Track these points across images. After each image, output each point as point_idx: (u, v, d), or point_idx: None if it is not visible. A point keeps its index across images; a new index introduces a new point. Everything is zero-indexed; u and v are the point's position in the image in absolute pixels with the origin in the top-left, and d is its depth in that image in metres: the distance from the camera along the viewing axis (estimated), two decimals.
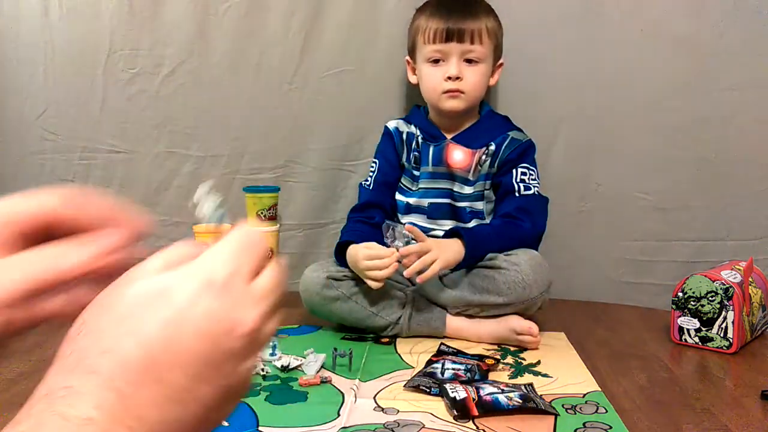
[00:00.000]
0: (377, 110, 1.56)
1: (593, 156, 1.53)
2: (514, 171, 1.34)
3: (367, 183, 1.44)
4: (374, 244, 1.24)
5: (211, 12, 1.56)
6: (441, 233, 1.34)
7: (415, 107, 1.45)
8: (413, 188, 1.41)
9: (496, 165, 1.36)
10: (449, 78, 1.32)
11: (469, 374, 1.05)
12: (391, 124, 1.45)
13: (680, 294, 1.23)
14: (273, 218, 1.53)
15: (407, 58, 1.43)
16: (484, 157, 1.36)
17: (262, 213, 1.51)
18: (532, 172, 1.35)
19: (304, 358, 1.13)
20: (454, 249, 1.22)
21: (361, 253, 1.22)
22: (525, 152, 1.36)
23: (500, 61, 1.40)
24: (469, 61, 1.33)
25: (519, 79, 1.52)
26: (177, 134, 1.61)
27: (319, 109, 1.58)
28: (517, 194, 1.33)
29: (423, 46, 1.36)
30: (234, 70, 1.58)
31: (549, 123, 1.52)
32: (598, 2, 1.49)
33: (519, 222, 1.30)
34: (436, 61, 1.34)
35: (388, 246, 1.22)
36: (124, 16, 1.57)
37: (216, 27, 1.56)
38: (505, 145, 1.35)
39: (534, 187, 1.34)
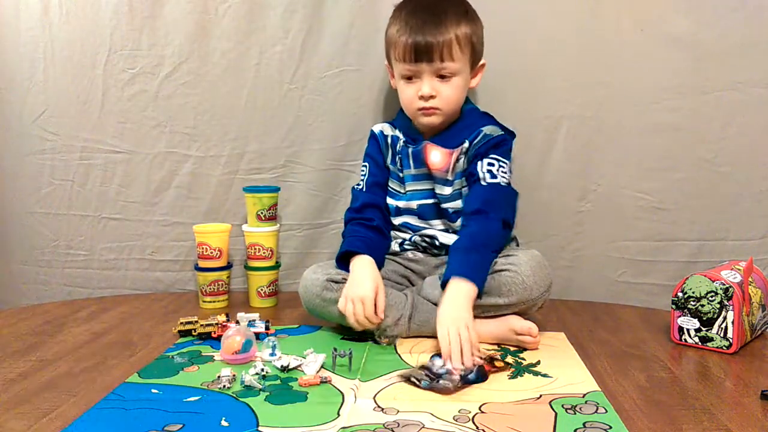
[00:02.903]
0: (377, 110, 1.56)
1: (593, 156, 1.53)
2: (481, 161, 1.31)
3: (360, 186, 1.43)
4: (383, 298, 1.22)
5: (211, 12, 1.56)
6: (432, 232, 1.36)
7: (401, 111, 1.43)
8: (401, 191, 1.41)
9: (467, 161, 1.34)
10: (422, 97, 1.30)
11: (463, 372, 1.05)
12: (377, 128, 1.45)
13: (680, 294, 1.23)
14: (273, 218, 1.53)
15: (386, 63, 1.40)
16: (461, 156, 1.35)
17: (262, 213, 1.51)
18: (502, 165, 1.31)
19: (304, 358, 1.13)
20: (464, 300, 1.15)
21: (362, 308, 1.20)
22: (496, 145, 1.32)
23: (481, 63, 1.36)
24: (442, 76, 1.30)
25: (518, 79, 1.52)
26: (177, 134, 1.61)
27: (319, 109, 1.58)
28: (483, 182, 1.30)
29: (396, 62, 1.33)
30: (234, 70, 1.58)
31: (548, 123, 1.52)
32: (598, 2, 1.49)
33: (489, 221, 1.26)
34: (409, 78, 1.32)
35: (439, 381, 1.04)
36: (124, 16, 1.57)
37: (216, 27, 1.56)
38: (477, 140, 1.33)
39: (501, 176, 1.30)
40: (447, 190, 1.36)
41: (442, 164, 1.35)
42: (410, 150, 1.38)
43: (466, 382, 1.03)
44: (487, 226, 1.26)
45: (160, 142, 1.61)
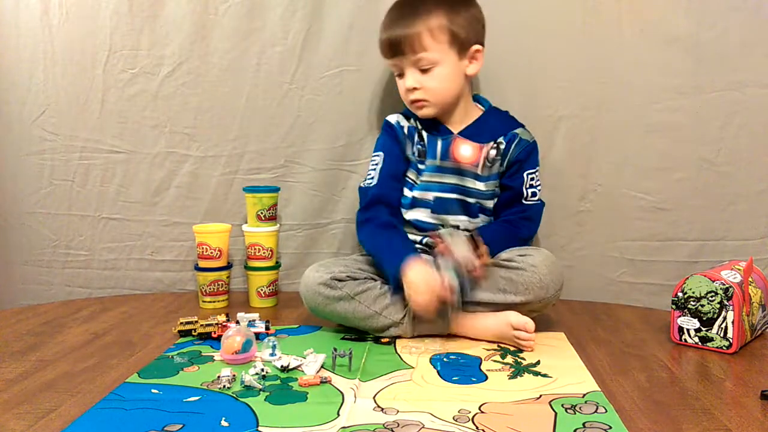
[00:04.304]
0: (377, 110, 1.56)
1: (593, 156, 1.53)
2: (525, 176, 1.36)
3: (369, 180, 1.39)
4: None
5: (211, 12, 1.56)
6: (444, 230, 1.35)
7: None
8: (417, 181, 1.40)
9: (505, 164, 1.37)
10: (407, 90, 1.34)
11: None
12: (392, 118, 1.43)
13: (680, 294, 1.23)
14: (273, 218, 1.53)
15: None
16: (493, 152, 1.36)
17: (261, 213, 1.51)
18: (537, 174, 1.39)
19: (304, 358, 1.13)
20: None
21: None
22: (532, 153, 1.38)
23: (475, 48, 1.34)
24: (424, 69, 1.32)
25: (518, 79, 1.52)
26: (177, 134, 1.61)
27: (319, 109, 1.58)
28: (525, 201, 1.37)
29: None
30: (234, 70, 1.58)
31: (549, 122, 1.52)
32: (598, 1, 1.49)
33: (517, 229, 1.35)
34: (397, 74, 1.36)
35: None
36: (124, 16, 1.57)
37: (216, 27, 1.56)
38: (514, 144, 1.36)
39: (539, 190, 1.38)
40: (481, 186, 1.37)
41: (471, 158, 1.37)
42: (438, 141, 1.38)
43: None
44: (515, 233, 1.35)
45: (160, 142, 1.61)
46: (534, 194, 1.37)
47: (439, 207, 1.38)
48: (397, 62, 1.34)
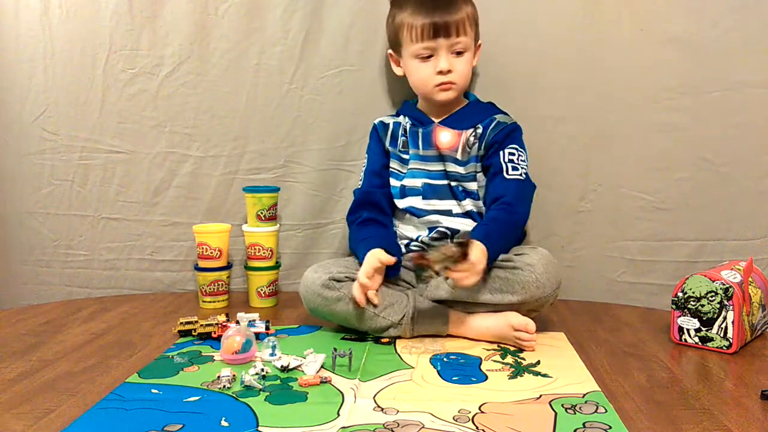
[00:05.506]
0: (377, 110, 1.56)
1: (593, 156, 1.53)
2: (501, 152, 1.37)
3: (360, 183, 1.47)
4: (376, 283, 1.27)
5: (210, 12, 1.56)
6: (435, 218, 1.38)
7: (405, 101, 1.49)
8: (404, 171, 1.44)
9: (483, 147, 1.38)
10: (441, 72, 1.36)
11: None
12: (377, 120, 1.49)
13: (680, 294, 1.23)
14: (273, 218, 1.53)
15: (390, 51, 1.45)
16: (472, 138, 1.38)
17: (261, 213, 1.51)
18: (520, 153, 1.38)
19: (304, 358, 1.13)
20: (483, 260, 1.19)
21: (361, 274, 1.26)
22: (511, 134, 1.39)
23: (479, 43, 1.43)
24: (456, 52, 1.37)
25: (519, 79, 1.52)
26: (177, 134, 1.61)
27: (318, 109, 1.58)
28: (505, 174, 1.35)
29: (411, 43, 1.37)
30: (234, 70, 1.58)
31: (548, 123, 1.52)
32: (598, 2, 1.49)
33: (513, 210, 1.32)
34: (425, 57, 1.37)
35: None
36: (124, 16, 1.57)
37: (216, 27, 1.56)
38: (491, 127, 1.38)
39: (521, 167, 1.36)
40: (460, 169, 1.39)
41: (451, 143, 1.39)
42: (420, 131, 1.42)
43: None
44: (510, 218, 1.32)
45: (160, 142, 1.61)
46: (515, 168, 1.35)
47: (428, 193, 1.40)
48: (434, 45, 1.35)
